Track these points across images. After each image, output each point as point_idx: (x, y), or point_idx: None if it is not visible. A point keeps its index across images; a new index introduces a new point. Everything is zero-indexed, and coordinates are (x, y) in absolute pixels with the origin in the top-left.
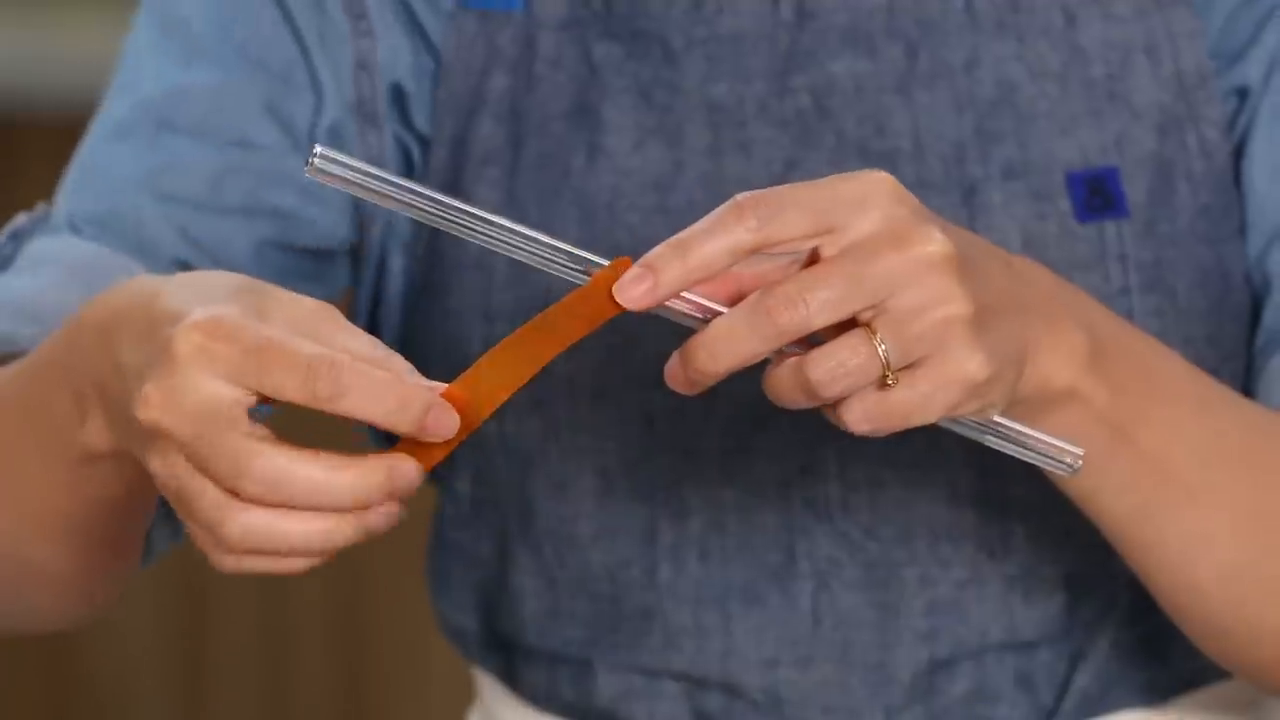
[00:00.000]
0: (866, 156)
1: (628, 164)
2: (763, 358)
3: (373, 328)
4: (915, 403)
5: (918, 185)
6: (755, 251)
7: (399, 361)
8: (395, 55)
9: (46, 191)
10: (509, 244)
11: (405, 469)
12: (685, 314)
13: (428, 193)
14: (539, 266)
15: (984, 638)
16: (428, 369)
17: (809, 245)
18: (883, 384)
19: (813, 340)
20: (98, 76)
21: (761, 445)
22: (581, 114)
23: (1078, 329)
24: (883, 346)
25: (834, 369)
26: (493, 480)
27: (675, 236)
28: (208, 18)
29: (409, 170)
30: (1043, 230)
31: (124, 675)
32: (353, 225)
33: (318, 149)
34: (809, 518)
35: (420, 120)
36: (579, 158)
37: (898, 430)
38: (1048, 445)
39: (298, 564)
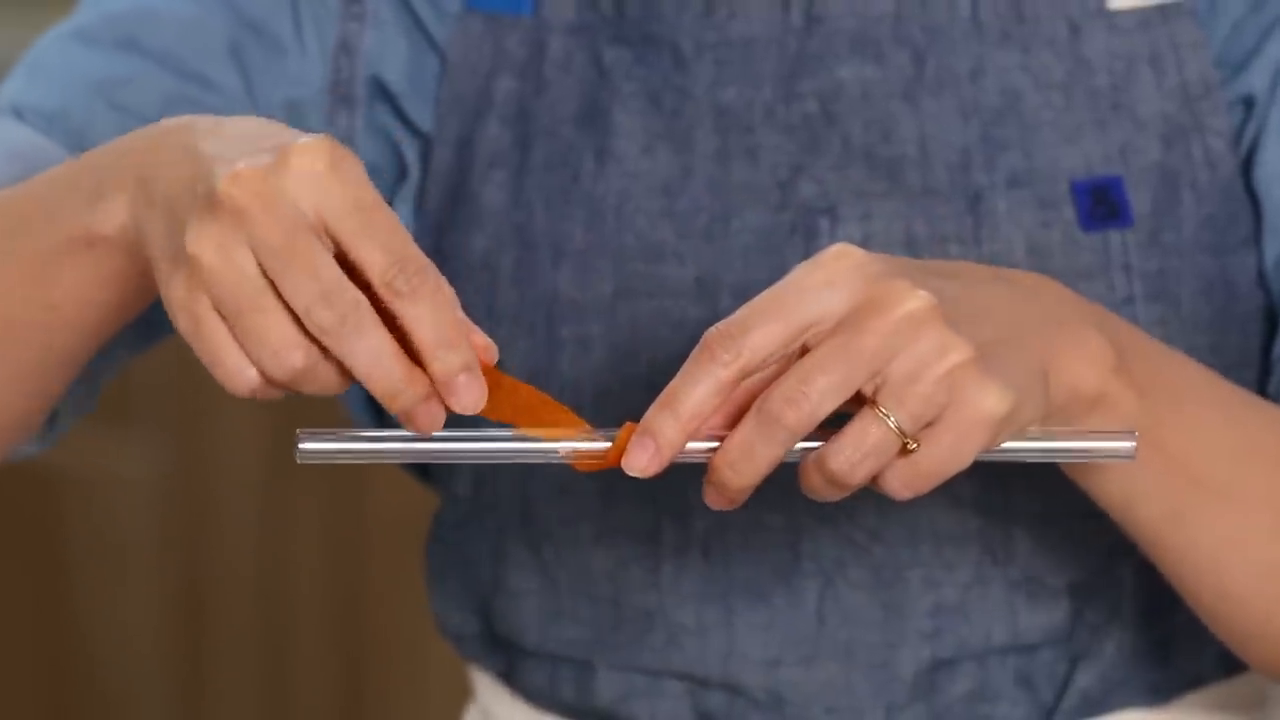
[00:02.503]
0: (873, 163)
1: (636, 168)
2: (783, 460)
3: None
4: (945, 457)
5: (923, 192)
6: (740, 381)
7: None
8: (385, 49)
9: None
10: (513, 454)
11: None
12: (698, 457)
13: (416, 438)
14: (545, 460)
15: (988, 640)
16: None
17: (793, 348)
18: (905, 451)
19: (830, 424)
20: None
21: None
22: (590, 118)
23: (1098, 334)
24: (891, 419)
25: (851, 456)
26: (493, 483)
27: (663, 393)
28: None
29: (400, 169)
30: (1047, 239)
31: (124, 675)
32: None
33: (300, 445)
34: (813, 520)
35: (421, 119)
36: (587, 161)
37: (941, 483)
38: (1097, 438)
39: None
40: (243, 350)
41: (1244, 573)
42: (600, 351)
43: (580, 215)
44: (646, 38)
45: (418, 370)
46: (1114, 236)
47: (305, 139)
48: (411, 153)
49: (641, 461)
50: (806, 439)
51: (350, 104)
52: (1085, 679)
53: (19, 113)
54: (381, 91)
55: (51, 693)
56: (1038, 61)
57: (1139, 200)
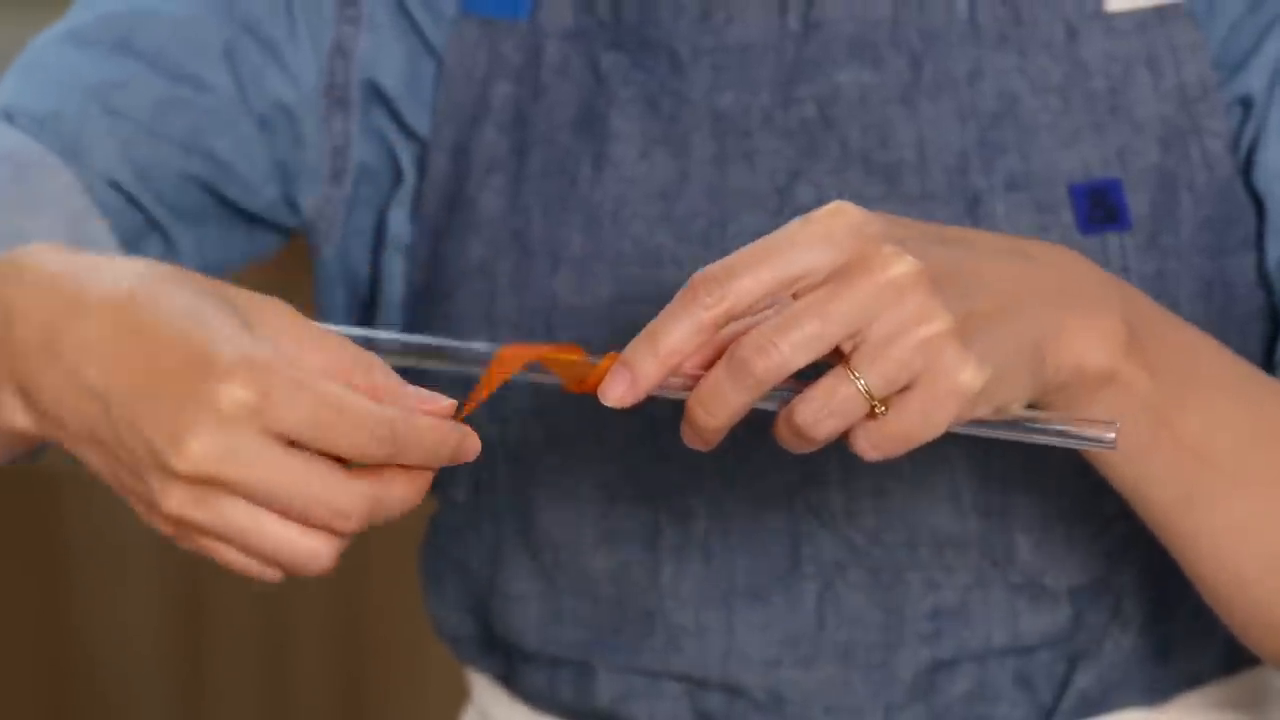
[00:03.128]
0: (870, 167)
1: (633, 173)
2: (756, 405)
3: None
4: (913, 424)
5: (921, 196)
6: (722, 325)
7: (381, 365)
8: (380, 53)
9: None
10: (481, 358)
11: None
12: (676, 393)
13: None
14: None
15: (987, 641)
16: (430, 374)
17: (782, 298)
18: (873, 414)
19: (811, 376)
20: None
21: (764, 453)
22: (588, 123)
23: (1111, 313)
24: (860, 380)
25: (817, 411)
26: (492, 487)
27: (645, 329)
28: None
29: (396, 173)
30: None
31: (124, 675)
32: (278, 203)
33: None
34: (813, 523)
35: (418, 123)
36: (585, 167)
37: (910, 449)
38: (1080, 426)
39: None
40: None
41: (1255, 558)
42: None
43: (578, 221)
44: (643, 43)
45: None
46: (1112, 239)
47: (221, 374)
48: (407, 157)
49: (617, 391)
50: (786, 388)
51: (345, 107)
52: (1084, 679)
53: (10, 115)
54: (377, 95)
55: (51, 693)
56: (1035, 65)
57: (1137, 203)
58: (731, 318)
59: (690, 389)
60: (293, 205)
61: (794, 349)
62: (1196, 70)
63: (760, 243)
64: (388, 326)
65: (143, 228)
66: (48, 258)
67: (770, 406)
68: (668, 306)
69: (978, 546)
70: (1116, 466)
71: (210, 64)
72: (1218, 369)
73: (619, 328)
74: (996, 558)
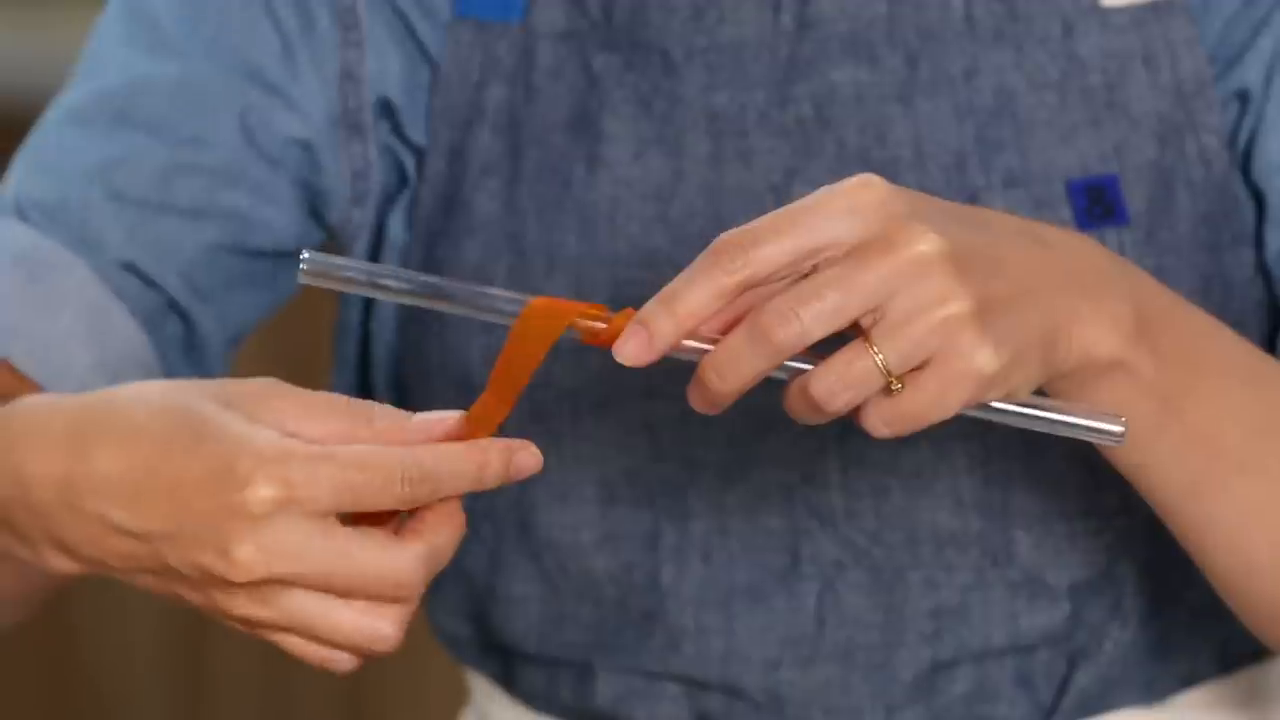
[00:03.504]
0: (868, 165)
1: (628, 174)
2: (769, 374)
3: (365, 339)
4: (927, 403)
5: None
6: (743, 291)
7: (379, 409)
8: (385, 68)
9: None
10: (505, 310)
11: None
12: (691, 355)
13: (423, 277)
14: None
15: (987, 641)
16: (427, 379)
17: (804, 267)
18: (889, 390)
19: (826, 349)
20: None
21: (763, 454)
22: (581, 124)
23: (1121, 300)
24: (879, 355)
25: (833, 383)
26: (490, 491)
27: (664, 289)
28: (179, 8)
29: (401, 182)
30: None
31: (124, 675)
32: (308, 226)
33: (305, 254)
34: (813, 523)
35: (414, 131)
36: (579, 168)
37: (921, 428)
38: (1088, 417)
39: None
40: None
41: (1262, 546)
42: (596, 360)
43: (573, 223)
44: (636, 44)
45: (485, 454)
46: (1110, 235)
47: (247, 479)
48: (409, 164)
49: (632, 349)
50: (799, 359)
51: (362, 132)
52: (1084, 678)
53: (21, 209)
54: (386, 110)
55: (51, 695)
56: (1031, 61)
57: (1134, 199)
58: (752, 284)
59: (702, 353)
60: (321, 221)
61: (814, 320)
62: (1192, 65)
63: (785, 211)
64: (383, 335)
65: (162, 309)
66: (42, 412)
67: (780, 376)
68: (689, 268)
69: (978, 545)
70: (1124, 454)
71: (212, 120)
72: (1227, 356)
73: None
74: (997, 556)
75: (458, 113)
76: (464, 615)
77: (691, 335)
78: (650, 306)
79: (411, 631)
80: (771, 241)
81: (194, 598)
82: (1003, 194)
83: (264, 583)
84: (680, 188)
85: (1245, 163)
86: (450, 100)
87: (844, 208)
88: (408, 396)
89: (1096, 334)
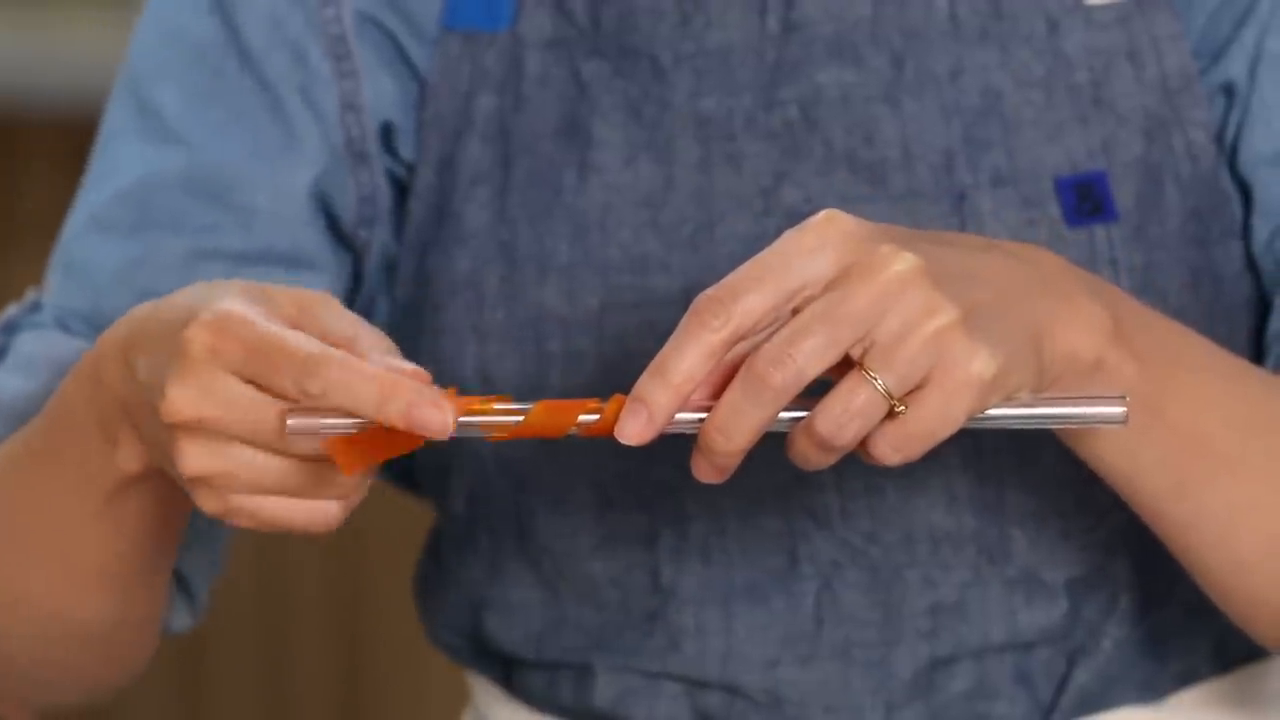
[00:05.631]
0: (855, 167)
1: (618, 180)
2: (772, 423)
3: None
4: (933, 419)
5: (908, 194)
6: (730, 346)
7: (383, 341)
8: (381, 92)
9: (47, 192)
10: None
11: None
12: (691, 427)
13: None
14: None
15: (986, 638)
16: None
17: (785, 312)
18: (893, 414)
19: (818, 394)
20: (98, 77)
21: (758, 456)
22: (571, 132)
23: (1095, 301)
24: (878, 380)
25: (839, 418)
26: (486, 499)
27: (653, 362)
28: (181, 99)
29: (402, 199)
30: (1033, 236)
31: None
32: (339, 256)
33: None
34: (809, 523)
35: (406, 149)
36: (570, 175)
37: (930, 448)
38: (1087, 404)
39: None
40: (301, 501)
41: (1249, 544)
42: (590, 365)
43: (564, 230)
44: (624, 50)
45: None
46: (1099, 232)
47: (193, 322)
48: (405, 178)
49: (634, 429)
50: (794, 409)
51: (367, 160)
52: (1083, 676)
53: (62, 320)
54: (388, 133)
55: None
56: (1017, 59)
57: (1123, 195)
58: (738, 338)
59: (700, 422)
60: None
61: (808, 358)
62: (1177, 61)
63: (757, 259)
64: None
65: None
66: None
67: (782, 429)
68: (673, 336)
69: (974, 543)
70: (1107, 458)
71: (227, 200)
72: (1203, 357)
73: (608, 336)
74: (994, 553)
75: (447, 123)
76: (465, 624)
77: (687, 406)
78: (643, 381)
79: (412, 630)
80: (751, 290)
81: (170, 466)
82: (991, 193)
83: (200, 428)
84: (671, 193)
85: (1232, 156)
86: (439, 111)
87: (813, 245)
88: None
89: (1077, 335)
